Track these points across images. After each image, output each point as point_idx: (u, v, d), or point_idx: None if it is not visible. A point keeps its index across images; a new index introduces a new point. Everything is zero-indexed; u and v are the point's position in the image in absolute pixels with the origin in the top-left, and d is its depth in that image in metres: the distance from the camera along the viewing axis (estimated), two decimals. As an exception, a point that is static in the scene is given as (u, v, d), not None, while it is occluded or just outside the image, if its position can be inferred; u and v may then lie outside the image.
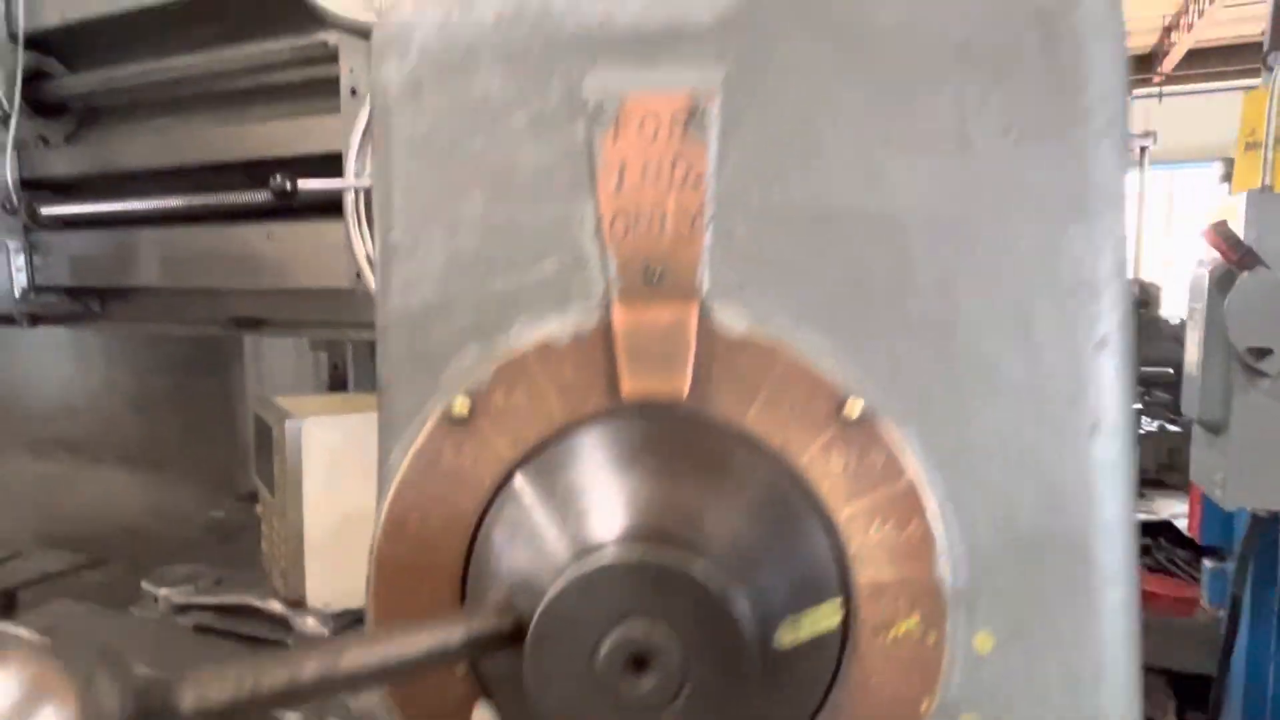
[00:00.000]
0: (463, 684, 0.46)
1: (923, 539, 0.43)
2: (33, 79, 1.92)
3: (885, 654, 0.43)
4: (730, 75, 0.42)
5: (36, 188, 1.96)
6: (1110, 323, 0.42)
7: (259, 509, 2.16)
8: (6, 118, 1.89)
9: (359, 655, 0.37)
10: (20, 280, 1.94)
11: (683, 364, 0.43)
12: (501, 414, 0.44)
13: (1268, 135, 1.92)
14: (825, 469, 0.42)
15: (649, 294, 0.43)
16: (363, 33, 1.05)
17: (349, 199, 1.17)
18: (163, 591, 1.44)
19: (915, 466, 0.43)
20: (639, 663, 0.38)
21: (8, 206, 1.90)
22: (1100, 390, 0.42)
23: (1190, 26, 7.40)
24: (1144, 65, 8.30)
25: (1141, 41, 8.08)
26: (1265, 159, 1.91)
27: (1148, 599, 2.42)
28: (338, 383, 2.05)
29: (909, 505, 0.42)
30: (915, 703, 0.43)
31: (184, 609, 1.43)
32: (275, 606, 1.33)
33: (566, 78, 0.43)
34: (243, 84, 1.81)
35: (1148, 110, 7.69)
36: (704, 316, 0.43)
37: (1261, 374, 1.70)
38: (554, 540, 0.41)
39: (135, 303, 2.04)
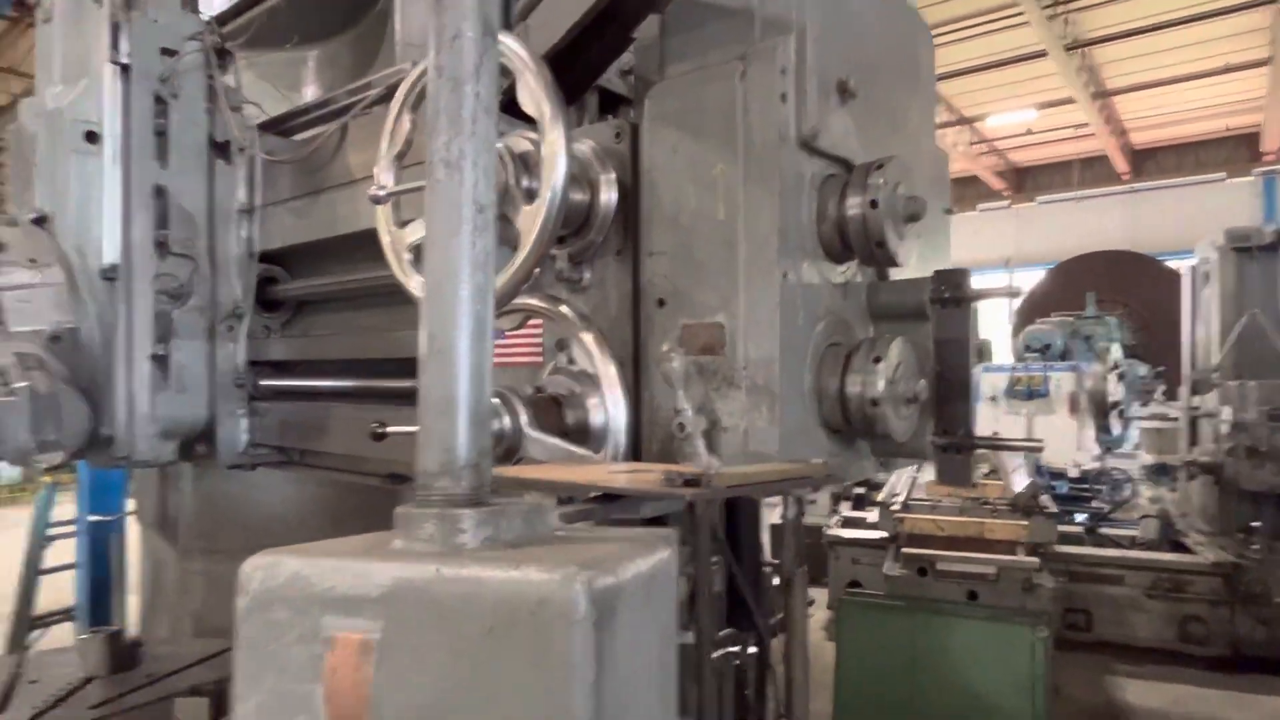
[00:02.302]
0: None
1: None
2: (263, 283, 2.51)
3: None
4: (381, 628, 0.71)
5: (258, 366, 2.53)
6: None
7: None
8: (242, 315, 2.48)
9: None
10: (244, 439, 2.49)
11: None
12: None
13: None
14: None
15: None
16: None
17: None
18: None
19: None
20: None
21: (239, 382, 2.48)
22: None
23: None
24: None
25: None
26: None
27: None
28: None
29: None
30: None
31: None
32: None
33: (312, 617, 0.75)
34: (400, 292, 2.27)
35: None
36: None
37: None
38: None
39: (325, 456, 2.52)
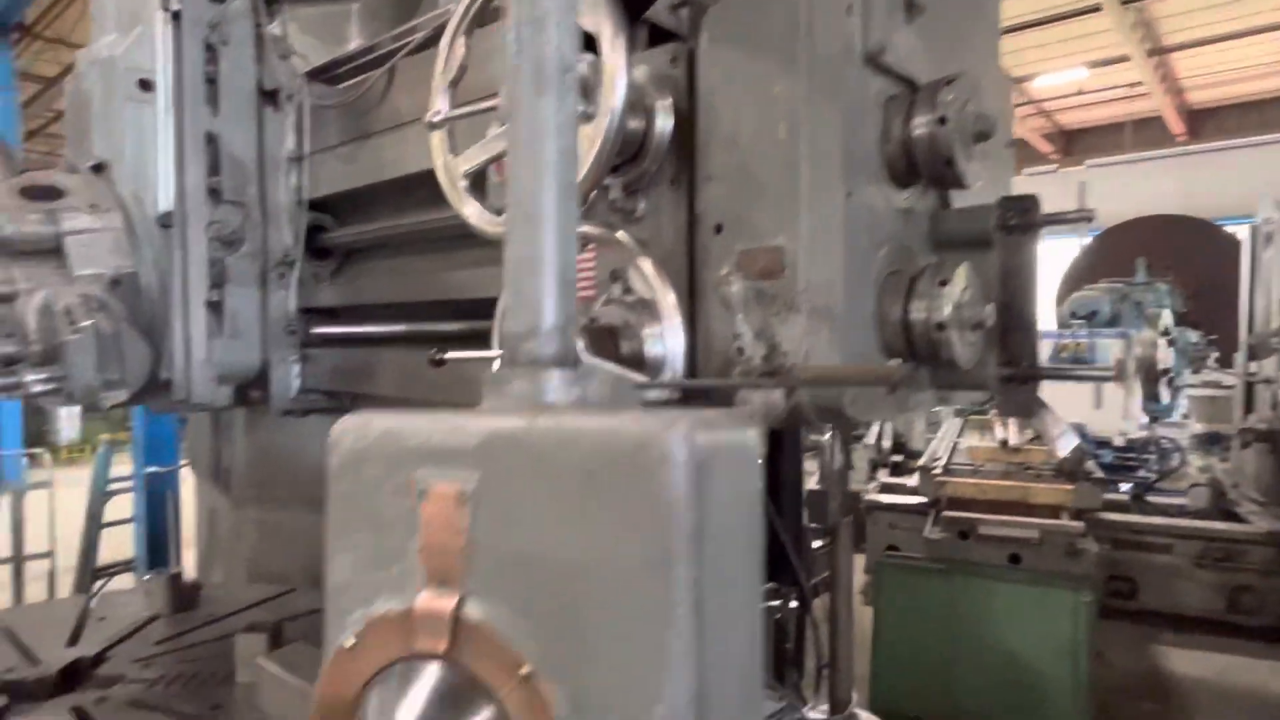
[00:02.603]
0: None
1: None
2: (312, 231, 2.54)
3: None
4: (477, 478, 0.75)
5: (309, 313, 2.57)
6: (671, 635, 0.65)
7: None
8: (293, 262, 2.51)
9: None
10: (295, 384, 2.54)
11: (442, 634, 0.75)
12: (368, 648, 0.80)
13: None
14: (511, 702, 0.73)
15: (438, 590, 0.77)
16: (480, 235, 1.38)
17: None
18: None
19: (558, 705, 0.71)
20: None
21: (290, 329, 2.52)
22: (666, 675, 0.66)
23: None
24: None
25: None
26: None
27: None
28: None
29: None
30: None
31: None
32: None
33: (406, 470, 0.79)
34: (450, 235, 2.28)
35: None
36: (459, 608, 0.75)
37: None
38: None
39: (375, 402, 2.56)
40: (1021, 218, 1.26)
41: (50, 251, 2.17)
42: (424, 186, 2.23)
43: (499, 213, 1.28)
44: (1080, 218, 1.31)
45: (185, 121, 2.30)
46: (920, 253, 1.36)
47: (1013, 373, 1.27)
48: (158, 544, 5.18)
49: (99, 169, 2.34)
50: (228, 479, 3.79)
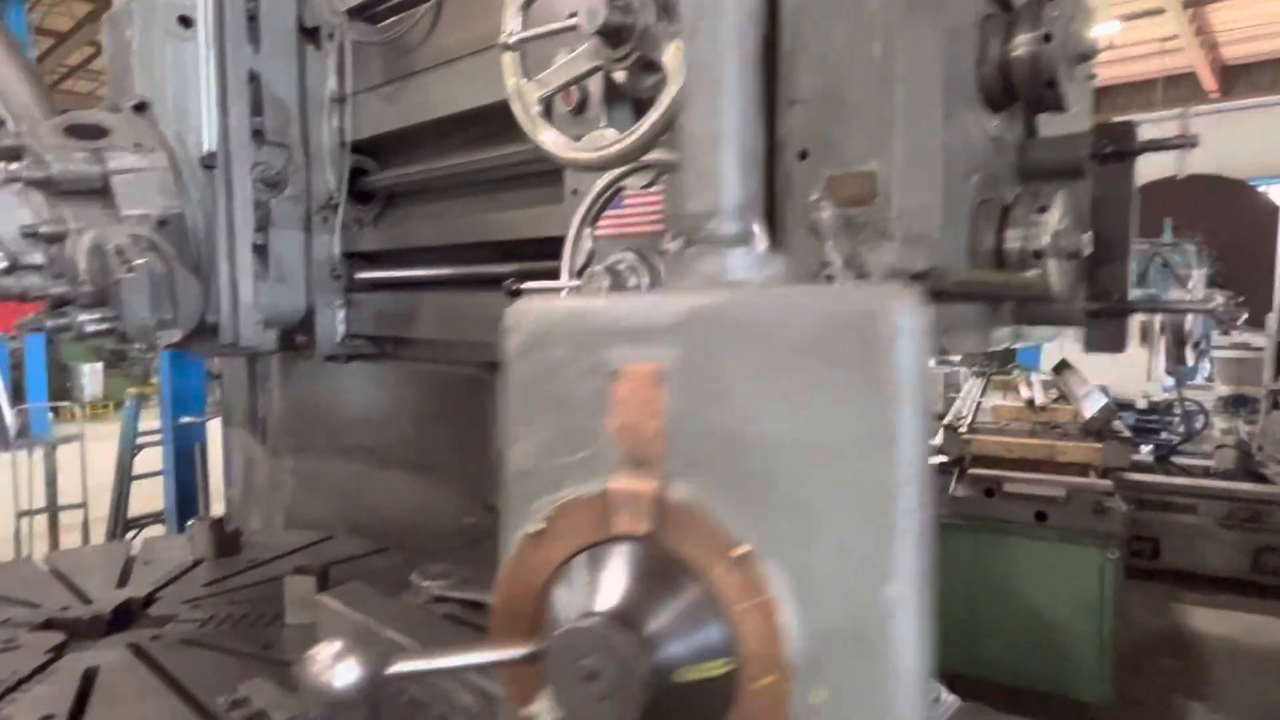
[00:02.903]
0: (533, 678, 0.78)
1: (779, 630, 0.70)
2: (354, 175, 2.51)
3: (753, 700, 0.70)
4: (675, 356, 0.73)
5: (351, 258, 2.54)
6: (898, 512, 0.65)
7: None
8: (336, 205, 2.48)
9: (466, 654, 0.71)
10: (340, 329, 2.53)
11: (645, 516, 0.74)
12: (559, 533, 0.78)
13: None
14: (723, 583, 0.72)
15: (633, 473, 0.76)
16: (559, 163, 1.34)
17: (567, 288, 1.47)
18: (426, 584, 1.85)
19: (776, 585, 0.70)
20: (591, 677, 0.70)
21: (335, 273, 2.50)
22: (893, 554, 0.66)
23: None
24: None
25: None
26: None
27: None
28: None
29: (770, 608, 0.70)
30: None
31: (441, 600, 1.82)
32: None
33: (596, 351, 0.77)
34: (498, 176, 2.24)
35: None
36: (663, 489, 0.74)
37: None
38: (574, 604, 0.76)
39: (418, 346, 2.55)
40: (1119, 144, 1.21)
41: (96, 192, 2.15)
42: (472, 126, 2.19)
43: (577, 139, 1.24)
44: (1184, 144, 1.26)
45: (227, 59, 2.25)
46: (1008, 183, 1.32)
47: (1103, 306, 1.24)
48: (186, 495, 5.24)
49: (140, 108, 2.31)
50: (263, 428, 3.81)
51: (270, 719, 1.61)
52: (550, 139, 1.26)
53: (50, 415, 10.03)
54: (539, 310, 0.76)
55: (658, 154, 1.29)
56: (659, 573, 0.72)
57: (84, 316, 1.99)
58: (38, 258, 2.08)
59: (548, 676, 0.71)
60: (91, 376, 15.17)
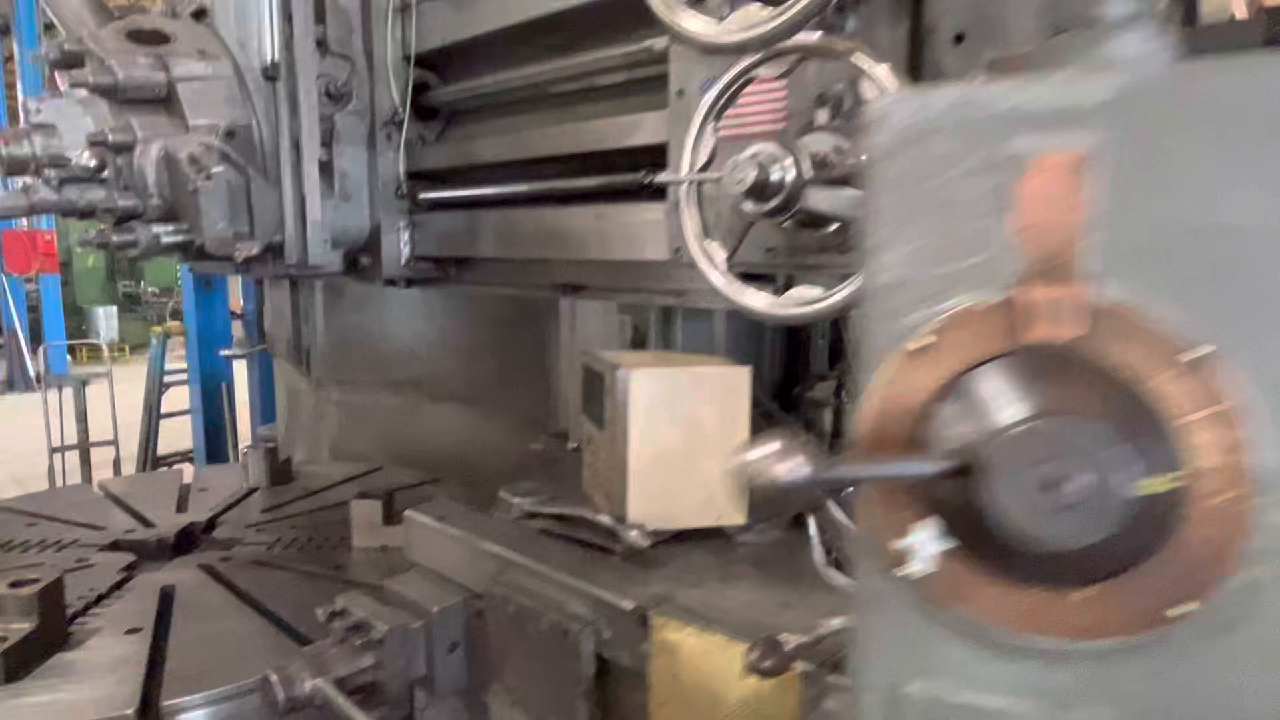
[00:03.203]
0: (908, 509, 0.73)
1: (1242, 441, 0.64)
2: (416, 90, 2.42)
3: (1206, 519, 0.65)
4: (1104, 141, 0.66)
5: (415, 178, 2.47)
6: None
7: (572, 445, 2.56)
8: (401, 122, 2.40)
9: (865, 465, 0.70)
10: (405, 251, 2.47)
11: (1067, 321, 0.67)
12: (950, 346, 0.72)
13: None
14: (1170, 390, 0.66)
15: (1047, 278, 0.69)
16: (707, 49, 1.27)
17: (682, 189, 1.41)
18: (517, 500, 1.83)
19: (1240, 394, 0.64)
20: (1049, 485, 0.65)
21: (400, 193, 2.43)
22: None
23: None
24: None
25: None
26: None
27: None
28: (638, 342, 2.36)
29: (1231, 417, 0.65)
30: (1227, 550, 0.66)
31: (532, 515, 1.80)
32: (605, 519, 1.65)
33: (991, 143, 0.69)
34: (575, 86, 2.15)
35: None
36: (1088, 290, 0.67)
37: None
38: (977, 420, 0.70)
39: (482, 269, 2.50)
40: (1291, 29, 1.13)
41: (160, 101, 2.07)
42: (551, 32, 2.10)
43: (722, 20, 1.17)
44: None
45: (288, -38, 2.15)
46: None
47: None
48: (214, 433, 5.25)
49: (200, 15, 2.21)
50: (307, 360, 3.78)
51: (372, 627, 1.61)
52: (694, 25, 1.18)
53: (68, 358, 10.01)
54: (912, 102, 0.69)
55: (798, 39, 1.22)
56: (1084, 381, 0.66)
57: (159, 229, 1.93)
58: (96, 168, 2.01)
59: (983, 491, 0.65)
60: (106, 320, 15.15)
